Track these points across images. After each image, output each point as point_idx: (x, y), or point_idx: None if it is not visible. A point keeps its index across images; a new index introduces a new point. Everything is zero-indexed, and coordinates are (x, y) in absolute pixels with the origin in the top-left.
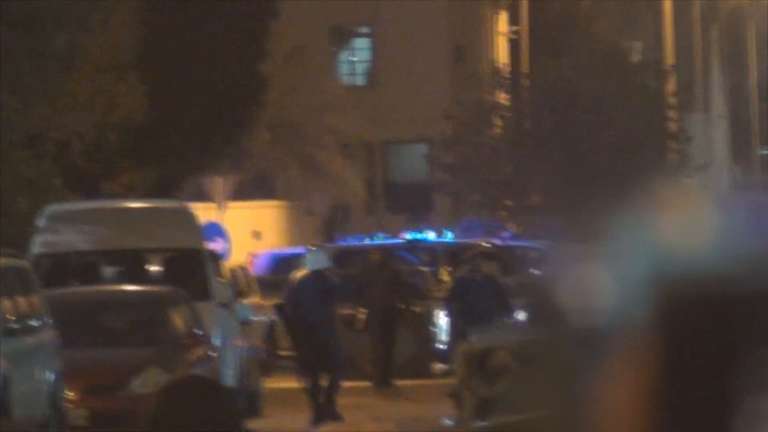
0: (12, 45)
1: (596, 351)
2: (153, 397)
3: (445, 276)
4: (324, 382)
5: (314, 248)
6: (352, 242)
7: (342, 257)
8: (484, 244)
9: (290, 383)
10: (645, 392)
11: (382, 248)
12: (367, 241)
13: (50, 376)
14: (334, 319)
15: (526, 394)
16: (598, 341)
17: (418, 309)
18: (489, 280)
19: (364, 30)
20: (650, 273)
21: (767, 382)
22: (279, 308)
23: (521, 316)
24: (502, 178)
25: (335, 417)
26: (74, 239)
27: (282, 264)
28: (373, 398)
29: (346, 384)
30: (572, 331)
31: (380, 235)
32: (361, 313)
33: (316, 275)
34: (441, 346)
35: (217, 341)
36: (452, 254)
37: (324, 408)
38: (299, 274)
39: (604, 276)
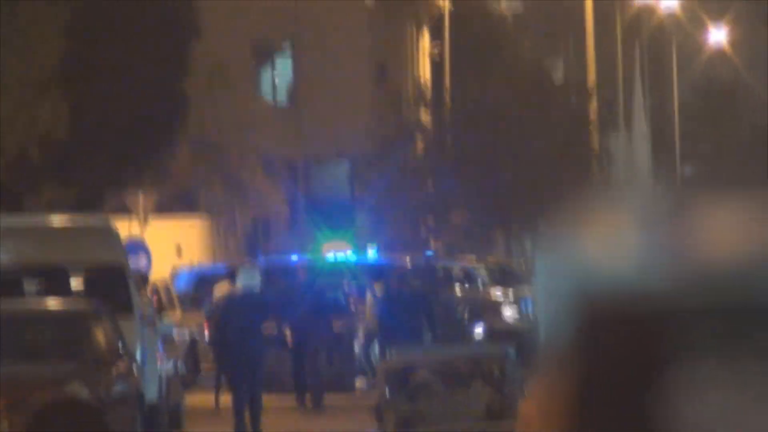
0: None
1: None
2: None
3: (370, 293)
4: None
5: (248, 266)
6: (277, 260)
7: (270, 274)
8: (407, 261)
9: (211, 399)
10: (565, 404)
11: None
12: (294, 259)
13: None
14: (262, 336)
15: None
16: (523, 355)
17: (340, 325)
18: (418, 296)
19: (286, 48)
20: (572, 289)
21: (682, 398)
22: (206, 325)
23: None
24: (423, 197)
25: None
26: None
27: (203, 280)
28: (295, 413)
29: (270, 400)
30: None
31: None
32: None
33: (249, 293)
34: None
35: (138, 357)
36: (376, 272)
37: (250, 426)
38: (225, 290)
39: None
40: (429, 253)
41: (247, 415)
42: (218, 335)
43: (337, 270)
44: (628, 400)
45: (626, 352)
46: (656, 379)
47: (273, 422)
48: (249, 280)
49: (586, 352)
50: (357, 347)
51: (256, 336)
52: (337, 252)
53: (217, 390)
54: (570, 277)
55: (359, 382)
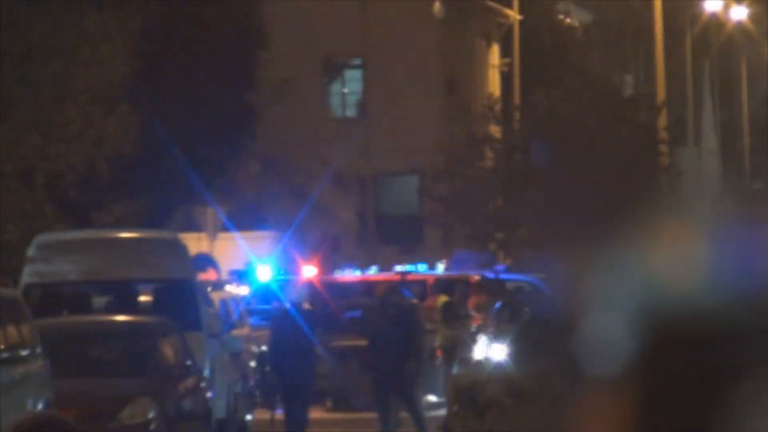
0: (3, 75)
1: (586, 384)
2: None
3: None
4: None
5: (293, 281)
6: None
7: (339, 289)
8: (476, 276)
9: (278, 415)
10: (630, 423)
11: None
12: (358, 274)
13: (41, 406)
14: (313, 350)
15: (518, 427)
16: (589, 374)
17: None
18: (403, 314)
19: (356, 62)
20: (640, 307)
21: (748, 417)
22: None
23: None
24: (492, 211)
25: None
26: (65, 269)
27: (273, 295)
28: (365, 429)
29: (341, 415)
30: (564, 365)
31: (374, 267)
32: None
33: (295, 308)
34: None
35: (206, 372)
36: (444, 286)
37: None
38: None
39: (597, 310)
40: (500, 267)
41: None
42: (269, 351)
43: (406, 285)
44: (694, 418)
45: (692, 371)
46: (721, 398)
47: None
48: (294, 295)
49: (651, 370)
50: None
51: (302, 351)
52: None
53: (272, 405)
54: (636, 295)
55: (428, 398)
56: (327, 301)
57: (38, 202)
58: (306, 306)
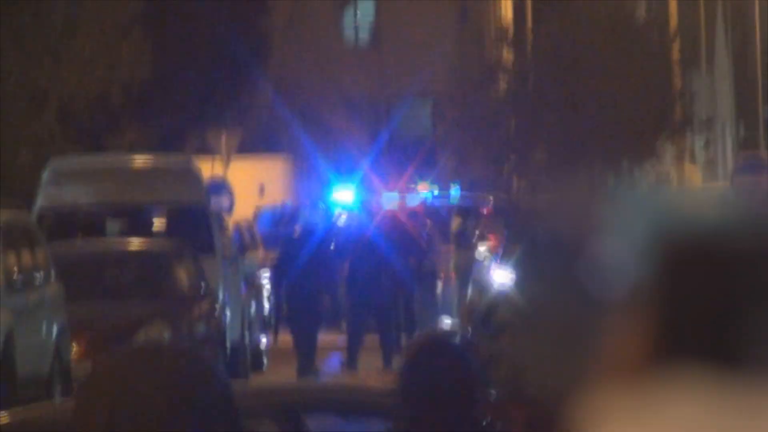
0: (17, 4)
1: (598, 308)
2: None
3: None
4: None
5: (310, 204)
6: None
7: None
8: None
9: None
10: (644, 348)
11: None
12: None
13: (55, 330)
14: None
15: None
16: (601, 299)
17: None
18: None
19: None
20: (653, 229)
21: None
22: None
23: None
24: (505, 134)
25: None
26: (78, 193)
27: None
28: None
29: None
30: (572, 289)
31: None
32: None
33: (308, 232)
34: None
35: (221, 296)
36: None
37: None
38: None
39: (607, 233)
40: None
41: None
42: (276, 275)
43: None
44: (713, 341)
45: (709, 292)
46: (739, 317)
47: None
48: (310, 218)
49: (667, 292)
50: (439, 287)
51: (312, 276)
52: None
53: (276, 328)
54: (652, 217)
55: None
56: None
57: (51, 126)
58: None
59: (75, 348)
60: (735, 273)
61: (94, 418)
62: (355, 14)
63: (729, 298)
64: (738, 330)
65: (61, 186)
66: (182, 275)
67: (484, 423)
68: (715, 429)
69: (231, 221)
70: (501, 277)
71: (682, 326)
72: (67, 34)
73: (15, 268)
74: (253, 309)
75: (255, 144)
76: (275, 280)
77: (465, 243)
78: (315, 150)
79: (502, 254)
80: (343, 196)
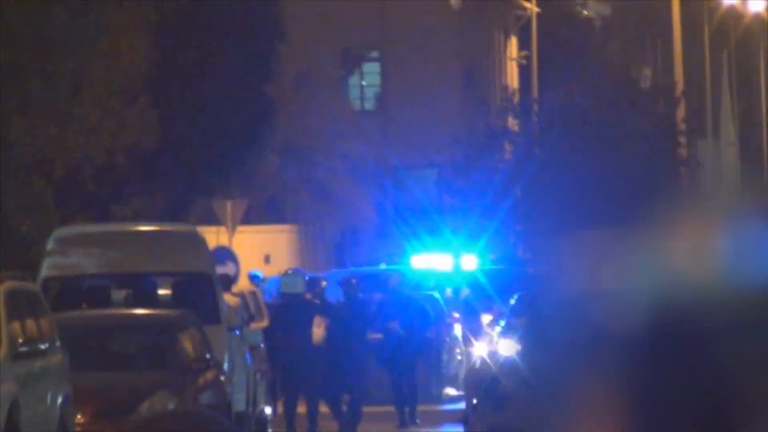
0: (21, 67)
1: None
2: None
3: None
4: (301, 406)
5: (291, 273)
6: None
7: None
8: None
9: (301, 407)
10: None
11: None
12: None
13: (59, 400)
14: (309, 342)
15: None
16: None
17: (429, 335)
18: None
19: (374, 54)
20: (653, 296)
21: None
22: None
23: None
24: (511, 204)
25: None
26: (83, 262)
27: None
28: (383, 423)
29: (369, 409)
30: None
31: (382, 263)
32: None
33: (293, 300)
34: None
35: (226, 366)
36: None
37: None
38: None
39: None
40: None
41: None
42: (268, 342)
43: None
44: (710, 412)
45: (698, 367)
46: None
47: (362, 430)
48: (292, 287)
49: (659, 366)
50: (445, 357)
51: (302, 341)
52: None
53: (274, 395)
54: (650, 285)
55: (447, 391)
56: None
57: (56, 194)
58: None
59: (79, 418)
60: (731, 345)
61: None
62: (361, 79)
63: (727, 372)
64: (735, 403)
65: (65, 255)
66: (187, 345)
67: None
68: None
69: (236, 290)
70: (507, 348)
71: (677, 403)
72: (72, 99)
73: (20, 337)
74: (257, 378)
75: (260, 213)
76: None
77: (472, 313)
78: (321, 219)
79: (506, 326)
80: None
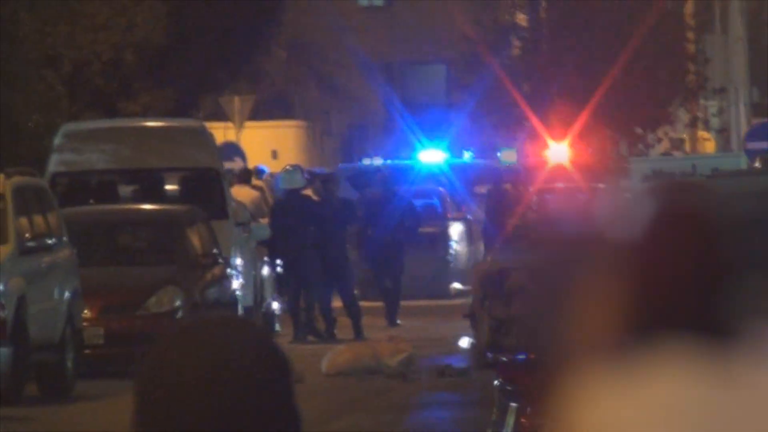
0: None
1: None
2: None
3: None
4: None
5: (290, 168)
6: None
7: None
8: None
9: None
10: (626, 319)
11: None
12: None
13: (67, 295)
14: (312, 237)
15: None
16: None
17: (434, 230)
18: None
19: None
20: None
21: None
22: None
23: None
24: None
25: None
26: (91, 158)
27: None
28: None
29: (365, 304)
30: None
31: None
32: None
33: (293, 196)
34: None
35: (234, 261)
36: (471, 174)
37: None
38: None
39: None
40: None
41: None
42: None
43: (432, 175)
44: (697, 306)
45: (695, 258)
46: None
47: (365, 325)
48: (290, 183)
49: (650, 256)
50: (453, 250)
51: (298, 239)
52: (433, 158)
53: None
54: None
55: (454, 286)
56: None
57: (65, 89)
58: None
59: (87, 313)
60: (723, 239)
61: (156, 409)
62: None
63: (716, 266)
64: (725, 299)
65: (74, 150)
66: (195, 241)
67: (496, 384)
68: (701, 401)
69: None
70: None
71: (665, 295)
72: None
73: (27, 233)
74: (265, 273)
75: (268, 109)
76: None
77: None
78: (328, 114)
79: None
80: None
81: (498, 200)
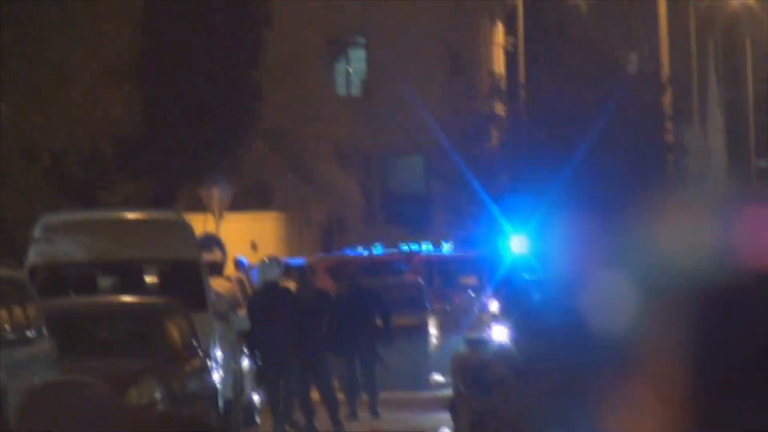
0: (5, 55)
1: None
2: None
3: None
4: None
5: (266, 261)
6: (349, 253)
7: (339, 269)
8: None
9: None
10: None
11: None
12: (361, 252)
13: None
14: (290, 330)
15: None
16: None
17: (414, 321)
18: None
19: (360, 40)
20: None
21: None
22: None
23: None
24: (498, 189)
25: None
26: (70, 249)
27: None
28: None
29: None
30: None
31: (378, 245)
32: None
33: (271, 287)
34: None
35: (213, 352)
36: (450, 265)
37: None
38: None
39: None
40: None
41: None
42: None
43: (411, 263)
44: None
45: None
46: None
47: (347, 416)
48: (266, 275)
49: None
50: (433, 342)
51: (276, 330)
52: (411, 245)
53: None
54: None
55: (434, 378)
56: None
57: (42, 182)
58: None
59: None
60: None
61: None
62: (347, 66)
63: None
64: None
65: (52, 242)
66: (174, 332)
67: None
68: None
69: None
70: (499, 334)
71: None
72: (57, 87)
73: (7, 324)
74: (245, 365)
75: (247, 200)
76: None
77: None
78: (307, 205)
79: (499, 313)
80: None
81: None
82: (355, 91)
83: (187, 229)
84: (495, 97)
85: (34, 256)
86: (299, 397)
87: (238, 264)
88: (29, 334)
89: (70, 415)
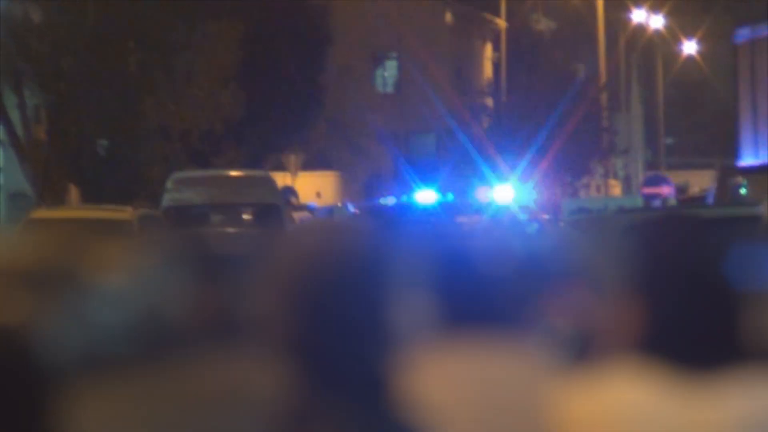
0: (150, 63)
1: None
2: None
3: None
4: None
5: (339, 206)
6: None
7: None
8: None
9: None
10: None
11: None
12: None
13: None
14: None
15: None
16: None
17: None
18: None
19: (393, 54)
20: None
21: None
22: None
23: None
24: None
25: None
26: (192, 196)
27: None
28: None
29: None
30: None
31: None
32: None
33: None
34: None
35: None
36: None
37: None
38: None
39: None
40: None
41: None
42: None
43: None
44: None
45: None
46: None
47: None
48: (338, 215)
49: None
50: None
51: None
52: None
53: None
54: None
55: None
56: None
57: (174, 149)
58: None
59: None
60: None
61: None
62: (384, 72)
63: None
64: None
65: (179, 191)
66: None
67: None
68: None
69: (297, 216)
70: None
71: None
72: (185, 84)
73: None
74: None
75: (314, 163)
76: None
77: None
78: (355, 167)
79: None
80: (426, 196)
81: None
82: (389, 89)
83: (272, 183)
84: (485, 94)
85: (167, 201)
86: None
87: (309, 208)
88: None
89: None
